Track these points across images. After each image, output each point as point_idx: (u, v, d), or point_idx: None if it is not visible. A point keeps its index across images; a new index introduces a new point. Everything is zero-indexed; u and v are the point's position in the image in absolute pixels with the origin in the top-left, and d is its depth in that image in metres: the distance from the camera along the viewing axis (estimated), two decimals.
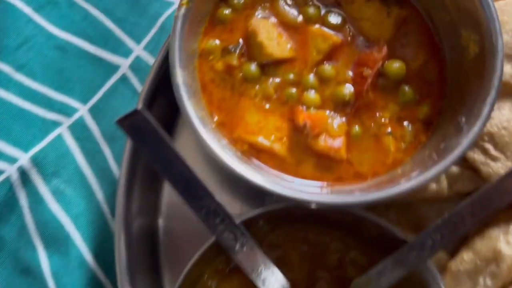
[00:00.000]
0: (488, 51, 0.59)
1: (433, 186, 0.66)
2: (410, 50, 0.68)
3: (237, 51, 0.67)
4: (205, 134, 0.60)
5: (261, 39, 0.66)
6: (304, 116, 0.64)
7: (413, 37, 0.68)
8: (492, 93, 0.58)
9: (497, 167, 0.63)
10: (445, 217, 0.56)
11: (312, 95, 0.66)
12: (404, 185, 0.57)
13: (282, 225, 0.65)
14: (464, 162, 0.65)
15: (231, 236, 0.57)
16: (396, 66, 0.66)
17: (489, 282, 0.60)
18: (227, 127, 0.66)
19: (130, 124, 0.52)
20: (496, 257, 0.60)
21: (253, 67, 0.66)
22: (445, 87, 0.67)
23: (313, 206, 0.59)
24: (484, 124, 0.57)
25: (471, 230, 0.57)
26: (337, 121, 0.65)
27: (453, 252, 0.65)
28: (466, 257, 0.63)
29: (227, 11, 0.68)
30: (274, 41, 0.67)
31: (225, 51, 0.68)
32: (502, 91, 0.64)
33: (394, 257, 0.59)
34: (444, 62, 0.67)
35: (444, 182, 0.66)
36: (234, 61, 0.66)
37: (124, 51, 0.76)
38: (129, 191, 0.65)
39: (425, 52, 0.68)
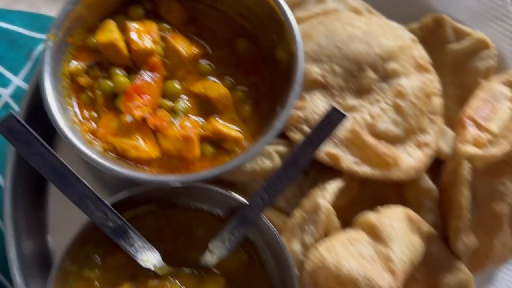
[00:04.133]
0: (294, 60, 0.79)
1: (269, 163, 0.82)
2: None
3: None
4: (73, 139, 0.74)
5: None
6: (151, 120, 0.79)
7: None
8: (297, 89, 0.78)
9: None
10: (267, 179, 0.73)
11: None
12: (233, 162, 0.75)
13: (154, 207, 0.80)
14: (290, 142, 0.83)
15: (103, 215, 0.70)
16: None
17: (312, 228, 0.77)
18: (94, 132, 0.80)
19: (6, 127, 0.63)
20: (315, 209, 0.77)
21: (118, 72, 0.81)
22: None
23: (175, 184, 0.74)
24: (290, 109, 0.77)
25: (286, 185, 0.73)
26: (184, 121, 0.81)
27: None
28: (297, 213, 0.80)
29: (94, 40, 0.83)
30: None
31: (90, 68, 0.82)
32: (312, 85, 0.85)
33: (237, 217, 0.74)
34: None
35: (276, 159, 0.83)
36: (98, 72, 0.81)
37: (4, 83, 0.88)
38: (15, 195, 0.76)
39: None
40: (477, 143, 0.78)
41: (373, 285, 0.69)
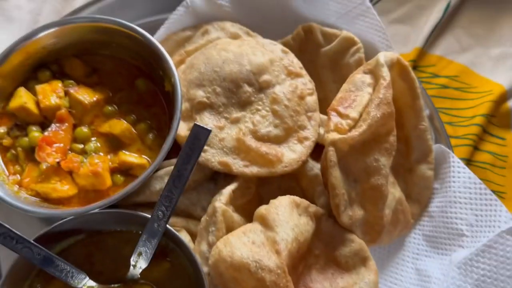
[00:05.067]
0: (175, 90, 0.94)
1: None
2: None
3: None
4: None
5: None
6: (63, 163, 0.93)
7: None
8: (177, 113, 0.92)
9: (207, 155, 0.94)
10: (161, 194, 0.86)
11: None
12: (135, 183, 0.89)
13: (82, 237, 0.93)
14: None
15: (28, 250, 0.84)
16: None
17: (213, 228, 0.89)
18: (20, 183, 0.94)
19: None
20: (214, 212, 0.90)
21: (34, 129, 0.96)
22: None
23: (91, 211, 0.88)
24: (175, 133, 0.90)
25: (179, 196, 0.86)
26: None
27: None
28: (203, 219, 0.92)
29: None
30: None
31: (11, 130, 0.97)
32: (200, 107, 0.98)
33: (145, 231, 0.87)
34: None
35: None
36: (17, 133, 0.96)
37: None
38: None
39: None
40: (338, 130, 0.90)
41: (261, 266, 0.81)
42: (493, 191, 1.03)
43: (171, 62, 0.96)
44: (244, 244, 0.84)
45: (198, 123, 0.82)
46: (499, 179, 1.08)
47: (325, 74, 1.08)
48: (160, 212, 0.86)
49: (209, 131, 0.82)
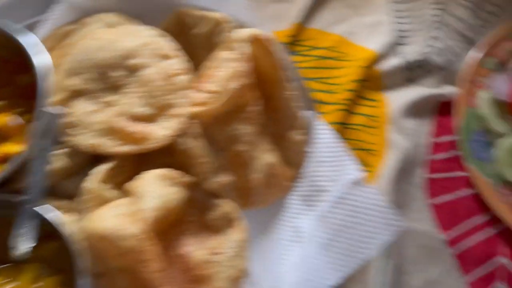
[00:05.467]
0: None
1: (60, 164, 1.02)
2: None
3: None
4: None
5: None
6: None
7: None
8: (39, 103, 0.98)
9: (79, 139, 1.01)
10: (27, 180, 0.92)
11: None
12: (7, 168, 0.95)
13: None
14: None
15: None
16: None
17: (84, 206, 0.96)
18: None
19: None
20: (83, 191, 0.96)
21: None
22: None
23: None
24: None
25: (44, 177, 0.93)
26: None
27: None
28: (77, 199, 0.99)
29: None
30: None
31: None
32: (77, 94, 1.04)
33: (21, 213, 0.94)
34: None
35: (65, 160, 1.02)
36: None
37: None
38: None
39: None
40: (200, 104, 0.97)
41: (123, 234, 0.88)
42: (366, 149, 1.11)
43: (29, 53, 1.02)
44: (111, 217, 0.91)
45: (44, 109, 0.89)
46: (370, 138, 1.15)
47: (201, 55, 1.14)
48: (28, 195, 0.93)
49: (55, 114, 0.88)
